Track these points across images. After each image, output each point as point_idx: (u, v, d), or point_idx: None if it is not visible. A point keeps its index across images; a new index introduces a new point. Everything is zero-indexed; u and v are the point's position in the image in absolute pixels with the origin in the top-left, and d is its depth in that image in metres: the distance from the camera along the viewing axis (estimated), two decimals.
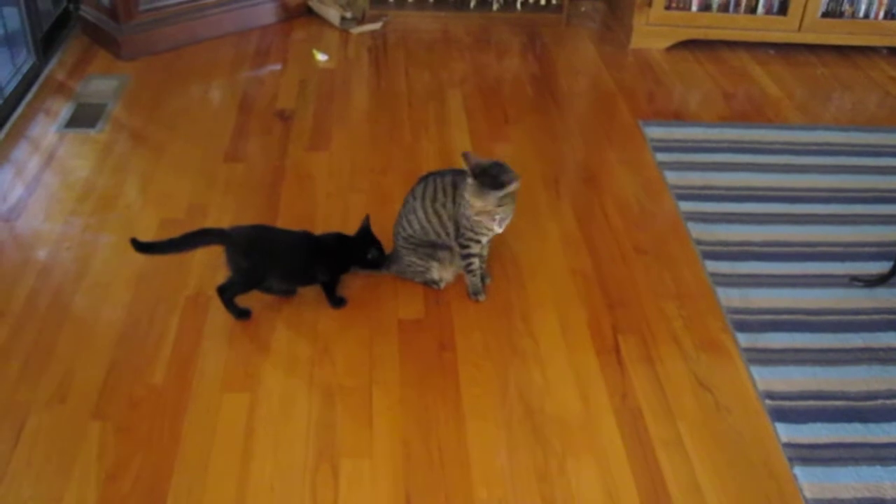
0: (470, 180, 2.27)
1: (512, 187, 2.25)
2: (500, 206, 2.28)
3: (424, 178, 2.45)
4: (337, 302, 2.47)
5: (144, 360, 2.25)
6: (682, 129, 3.38)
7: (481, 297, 2.50)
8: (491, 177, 2.26)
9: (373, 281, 2.55)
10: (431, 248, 2.45)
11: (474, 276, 2.47)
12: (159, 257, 2.57)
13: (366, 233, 2.49)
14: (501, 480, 1.99)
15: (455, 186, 2.37)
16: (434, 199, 2.40)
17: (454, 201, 2.37)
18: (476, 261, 2.45)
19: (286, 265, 2.42)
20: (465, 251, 2.43)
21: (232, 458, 2.01)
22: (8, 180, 2.93)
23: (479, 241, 2.41)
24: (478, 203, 2.28)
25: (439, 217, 2.40)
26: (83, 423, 2.07)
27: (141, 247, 2.35)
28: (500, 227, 2.34)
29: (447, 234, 2.43)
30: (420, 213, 2.40)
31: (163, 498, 1.91)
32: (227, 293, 2.38)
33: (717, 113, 3.56)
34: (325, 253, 2.46)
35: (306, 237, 2.49)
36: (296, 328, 2.38)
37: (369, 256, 2.48)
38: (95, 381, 2.19)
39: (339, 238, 2.51)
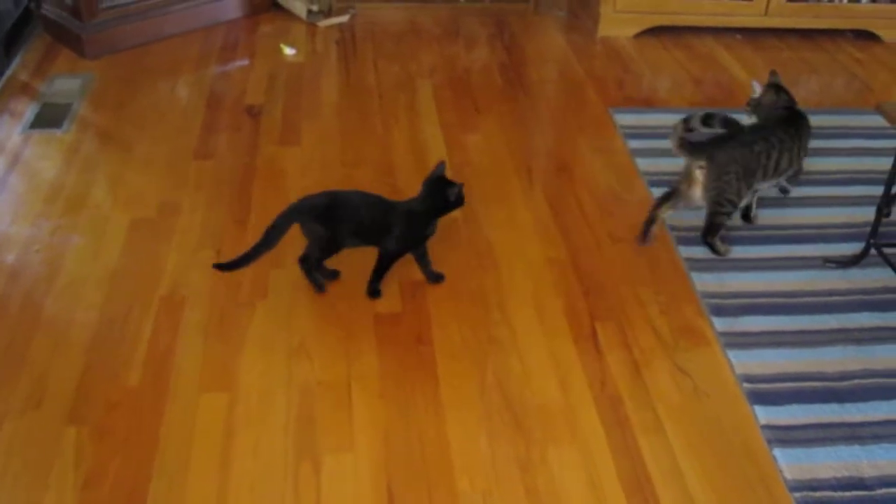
0: None
1: None
2: None
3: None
4: (435, 277, 2.50)
5: (119, 363, 2.22)
6: (653, 116, 3.39)
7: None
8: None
9: (349, 275, 2.53)
10: None
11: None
12: (131, 257, 2.55)
13: (439, 180, 2.40)
14: (483, 471, 1.99)
15: None
16: None
17: None
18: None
19: (361, 224, 2.40)
20: None
21: (212, 459, 1.99)
22: None
23: None
24: None
25: None
26: (59, 429, 2.04)
27: (226, 267, 2.36)
28: None
29: None
30: None
31: (142, 502, 1.89)
32: (307, 263, 2.42)
33: (687, 98, 3.58)
34: (402, 214, 2.41)
35: (381, 198, 2.46)
36: (272, 324, 2.36)
37: (451, 198, 2.39)
38: (70, 385, 2.15)
39: (412, 202, 2.44)
